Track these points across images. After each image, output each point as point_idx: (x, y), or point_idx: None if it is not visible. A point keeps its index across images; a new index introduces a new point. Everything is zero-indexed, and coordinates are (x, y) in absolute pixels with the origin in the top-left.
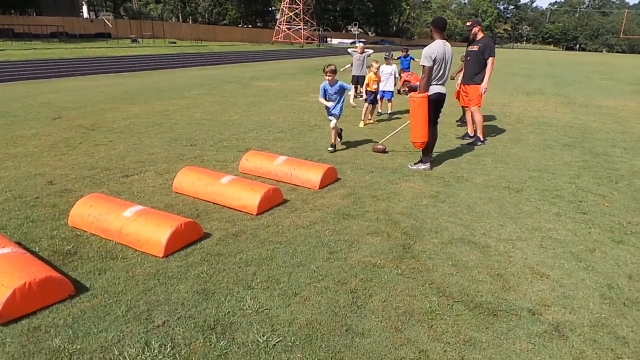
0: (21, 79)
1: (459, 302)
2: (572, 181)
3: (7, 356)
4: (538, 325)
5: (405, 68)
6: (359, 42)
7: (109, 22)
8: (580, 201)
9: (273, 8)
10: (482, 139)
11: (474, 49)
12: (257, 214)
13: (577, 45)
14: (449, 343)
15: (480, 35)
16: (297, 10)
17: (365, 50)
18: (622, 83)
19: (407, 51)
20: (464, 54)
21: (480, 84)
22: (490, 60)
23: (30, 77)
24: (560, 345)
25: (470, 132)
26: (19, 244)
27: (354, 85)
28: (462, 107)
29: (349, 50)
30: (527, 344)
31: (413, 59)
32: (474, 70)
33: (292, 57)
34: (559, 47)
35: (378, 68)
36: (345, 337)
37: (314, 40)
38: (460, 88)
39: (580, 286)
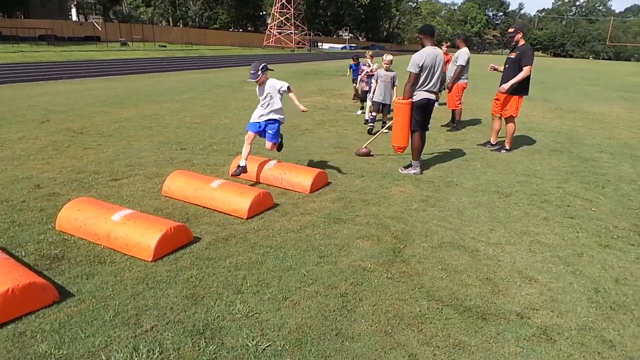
0: (8, 81)
1: (448, 305)
2: (560, 186)
3: None
4: (526, 328)
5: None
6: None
7: (98, 25)
8: (568, 206)
9: (264, 12)
10: (507, 148)
11: (511, 56)
12: (247, 218)
13: (560, 52)
14: (439, 347)
15: (521, 43)
16: (288, 15)
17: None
18: (608, 89)
19: (357, 59)
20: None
21: (518, 94)
22: (526, 68)
23: (17, 80)
24: (548, 349)
25: (493, 141)
26: (2, 249)
27: (375, 114)
28: (452, 110)
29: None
30: (516, 348)
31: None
32: (511, 79)
33: (283, 61)
34: (547, 54)
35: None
36: (335, 341)
37: (304, 44)
38: (496, 96)
39: (568, 290)
